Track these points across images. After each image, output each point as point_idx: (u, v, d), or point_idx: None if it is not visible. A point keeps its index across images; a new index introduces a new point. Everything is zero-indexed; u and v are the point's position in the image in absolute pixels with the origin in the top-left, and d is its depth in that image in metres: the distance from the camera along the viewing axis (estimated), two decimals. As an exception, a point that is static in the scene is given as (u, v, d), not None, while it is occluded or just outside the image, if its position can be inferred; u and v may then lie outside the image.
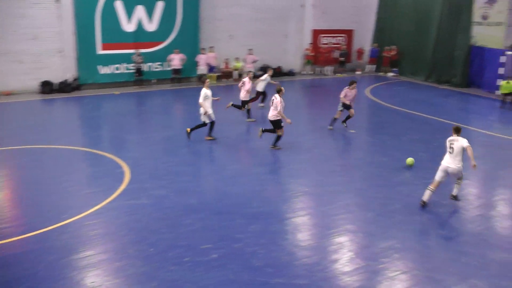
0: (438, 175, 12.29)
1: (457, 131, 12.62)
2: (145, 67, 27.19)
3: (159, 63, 27.76)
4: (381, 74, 33.50)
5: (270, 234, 10.45)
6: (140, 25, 26.94)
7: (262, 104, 22.38)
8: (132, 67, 26.66)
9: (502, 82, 24.14)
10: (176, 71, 27.55)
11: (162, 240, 10.08)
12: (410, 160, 14.78)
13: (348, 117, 19.07)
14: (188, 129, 17.16)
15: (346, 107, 18.77)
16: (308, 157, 16.03)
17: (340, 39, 34.12)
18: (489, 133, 19.44)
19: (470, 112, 24.03)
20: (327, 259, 9.64)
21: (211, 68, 28.46)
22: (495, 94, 26.67)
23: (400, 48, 32.90)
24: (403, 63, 32.90)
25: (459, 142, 12.28)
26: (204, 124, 17.03)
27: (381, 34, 34.31)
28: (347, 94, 18.78)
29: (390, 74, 32.96)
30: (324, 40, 33.40)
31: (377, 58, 34.14)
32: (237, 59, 29.42)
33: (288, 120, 16.31)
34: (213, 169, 14.58)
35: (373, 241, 10.39)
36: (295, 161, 15.50)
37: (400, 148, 17.04)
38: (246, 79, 20.38)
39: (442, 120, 20.95)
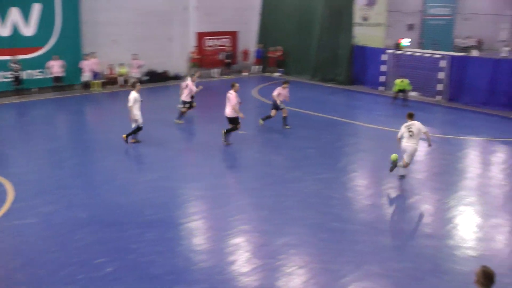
0: (404, 156, 13.98)
1: (411, 116, 14.26)
2: (24, 75, 25.60)
3: (39, 70, 26.27)
4: (267, 74, 34.08)
5: (166, 241, 10.32)
6: (16, 29, 25.33)
7: None
8: (9, 75, 25.11)
9: (396, 81, 25.17)
10: (57, 78, 26.14)
11: (53, 259, 9.60)
12: (394, 156, 15.28)
13: (269, 117, 19.83)
14: (124, 136, 16.96)
15: (276, 106, 19.50)
16: (200, 160, 15.99)
17: (225, 41, 34.26)
18: (375, 126, 20.37)
19: (355, 107, 25.00)
20: (224, 261, 9.67)
21: (95, 75, 27.57)
22: (378, 90, 28.03)
23: (285, 48, 33.62)
24: (288, 63, 33.66)
25: (416, 125, 13.92)
26: (140, 128, 16.94)
27: (266, 35, 34.90)
28: (280, 93, 19.57)
29: (276, 74, 33.60)
30: (209, 42, 33.41)
31: (262, 58, 34.66)
32: (121, 64, 28.71)
33: (241, 115, 17.11)
34: (103, 180, 14.10)
35: (269, 239, 10.55)
36: (186, 165, 15.46)
37: (290, 145, 17.46)
38: (189, 81, 20.78)
39: (329, 116, 21.66)
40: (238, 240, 10.52)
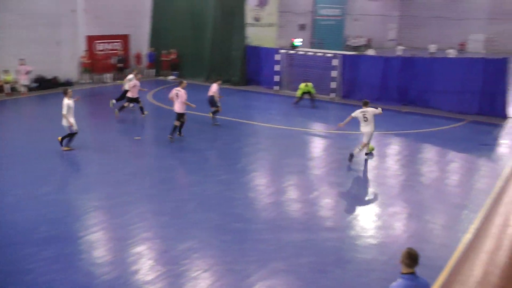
0: (363, 138, 16.01)
1: (366, 104, 16.08)
2: None
3: None
4: (161, 78, 33.69)
5: (65, 257, 9.84)
6: None
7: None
8: None
9: (301, 85, 25.34)
10: None
11: None
12: (371, 146, 15.69)
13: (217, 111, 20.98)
14: (59, 138, 16.53)
15: (213, 103, 20.51)
16: (93, 170, 15.48)
17: (117, 44, 33.49)
18: (272, 125, 20.68)
19: (252, 108, 25.28)
20: (127, 271, 9.40)
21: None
22: (273, 89, 28.52)
23: (179, 51, 33.38)
24: (183, 66, 33.46)
25: (369, 112, 15.79)
26: (74, 134, 16.45)
27: (158, 38, 34.43)
28: (214, 89, 20.94)
29: (171, 78, 33.27)
30: (100, 46, 32.51)
31: (155, 62, 34.21)
32: (6, 71, 27.04)
33: (193, 105, 18.60)
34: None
35: (171, 245, 10.38)
36: (80, 175, 14.97)
37: (188, 149, 17.33)
38: (134, 81, 21.46)
39: (226, 118, 21.70)
40: (140, 248, 10.27)
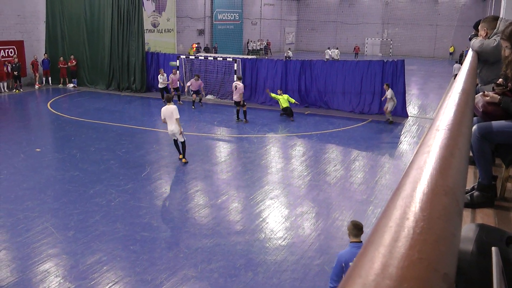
0: None
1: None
2: None
3: None
4: (60, 86, 32.61)
5: (-37, 278, 9.42)
6: None
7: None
8: None
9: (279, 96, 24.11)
10: None
11: None
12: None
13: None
14: None
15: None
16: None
17: (10, 51, 31.92)
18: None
19: (153, 115, 24.88)
20: (33, 290, 9.10)
21: None
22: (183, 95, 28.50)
23: (77, 58, 32.51)
24: (81, 74, 32.63)
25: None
26: None
27: (54, 44, 33.33)
28: (192, 83, 24.26)
29: (70, 86, 32.34)
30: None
31: (50, 69, 32.89)
32: None
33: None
34: None
35: (78, 259, 10.10)
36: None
37: (90, 159, 16.91)
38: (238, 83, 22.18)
39: (127, 126, 21.43)
40: (47, 265, 9.91)
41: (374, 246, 0.85)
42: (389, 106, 22.24)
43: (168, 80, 26.18)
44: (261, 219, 12.18)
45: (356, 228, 7.10)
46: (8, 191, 14.10)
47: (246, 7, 55.61)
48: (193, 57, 29.17)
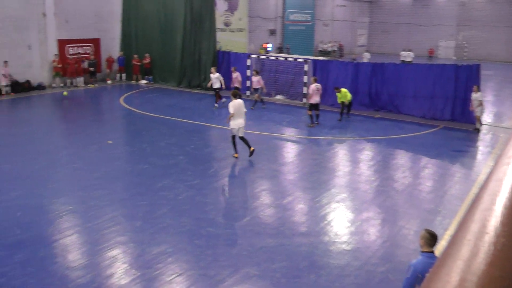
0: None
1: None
2: None
3: None
4: (133, 82, 33.59)
5: (38, 261, 9.83)
6: None
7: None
8: None
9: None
10: None
11: None
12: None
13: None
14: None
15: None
16: (66, 173, 15.42)
17: (88, 48, 33.29)
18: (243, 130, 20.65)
19: (222, 113, 25.09)
20: (101, 275, 9.40)
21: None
22: (244, 94, 28.50)
23: (150, 55, 33.31)
24: (154, 71, 33.40)
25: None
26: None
27: (129, 42, 34.41)
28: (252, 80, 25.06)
29: (143, 82, 33.22)
30: (71, 50, 32.28)
31: (125, 66, 34.08)
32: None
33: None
34: (-37, 199, 13.18)
35: (145, 249, 10.40)
36: (53, 179, 14.81)
37: (159, 153, 17.31)
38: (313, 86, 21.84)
39: (197, 122, 21.79)
40: (114, 252, 10.27)
41: (451, 259, 0.84)
42: (478, 111, 21.45)
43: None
44: (326, 222, 12.11)
45: (432, 238, 6.92)
46: (81, 180, 14.70)
47: (318, 8, 55.30)
48: (264, 57, 29.26)
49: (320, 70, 26.63)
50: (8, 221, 11.64)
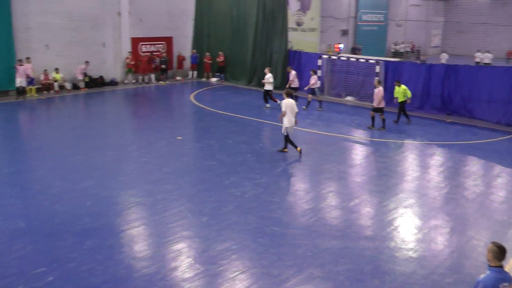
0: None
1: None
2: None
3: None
4: (204, 80, 34.05)
5: (106, 249, 10.14)
6: None
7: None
8: None
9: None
10: (-11, 85, 25.45)
11: (-11, 271, 9.29)
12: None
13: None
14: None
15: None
16: (136, 167, 15.79)
17: (160, 46, 33.99)
18: (311, 130, 20.64)
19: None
20: (166, 267, 9.56)
21: (30, 80, 26.77)
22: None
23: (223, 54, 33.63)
24: (225, 69, 33.69)
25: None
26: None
27: (200, 40, 34.90)
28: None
29: (214, 80, 33.61)
30: (144, 48, 33.06)
31: (197, 64, 34.59)
32: (56, 70, 28.04)
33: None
34: (40, 188, 13.65)
35: (210, 244, 10.50)
36: (123, 172, 15.20)
37: (227, 151, 17.45)
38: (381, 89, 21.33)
39: (266, 121, 21.83)
40: (179, 246, 10.43)
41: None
42: None
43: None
44: (392, 227, 11.85)
45: (502, 252, 6.51)
46: (150, 174, 15.03)
47: (391, 8, 54.22)
48: (335, 57, 29.00)
49: (391, 72, 26.14)
50: (78, 210, 12.10)
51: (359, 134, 20.88)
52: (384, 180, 15.17)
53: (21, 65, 25.95)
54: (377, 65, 25.97)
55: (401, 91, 22.47)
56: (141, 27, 32.62)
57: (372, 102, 22.01)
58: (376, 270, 9.70)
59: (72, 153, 16.82)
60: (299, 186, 14.65)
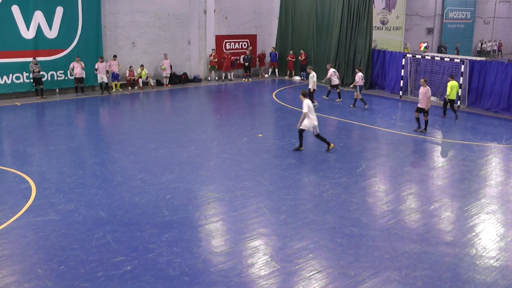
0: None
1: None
2: (47, 76, 26.25)
3: (61, 71, 26.79)
4: (286, 78, 34.14)
5: (184, 242, 10.37)
6: (39, 32, 25.83)
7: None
8: (31, 77, 25.57)
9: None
10: (78, 80, 26.65)
11: (73, 256, 9.73)
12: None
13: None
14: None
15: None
16: (216, 162, 16.04)
17: (244, 44, 34.37)
18: (394, 131, 20.28)
19: (374, 112, 24.65)
20: (242, 264, 9.66)
21: (115, 76, 27.83)
22: (397, 94, 27.96)
23: (305, 52, 33.59)
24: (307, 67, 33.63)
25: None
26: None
27: (285, 38, 35.07)
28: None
29: (297, 78, 33.66)
30: (228, 45, 33.52)
31: (276, 61, 34.86)
32: (142, 66, 28.96)
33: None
34: (122, 180, 14.20)
35: (287, 242, 10.53)
36: (203, 167, 15.48)
37: (307, 149, 17.40)
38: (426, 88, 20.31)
39: (347, 121, 21.66)
40: (257, 243, 10.52)
41: None
42: None
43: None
44: (473, 233, 11.43)
45: None
46: (230, 169, 15.22)
47: (479, 5, 52.12)
48: (419, 56, 28.31)
49: (477, 72, 25.27)
50: (158, 203, 12.48)
51: (441, 136, 20.27)
52: (466, 184, 14.67)
53: (102, 61, 26.95)
54: (462, 64, 25.12)
55: (453, 87, 22.47)
56: (225, 25, 33.18)
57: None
58: (455, 277, 9.39)
59: (155, 147, 17.30)
60: (379, 187, 14.40)
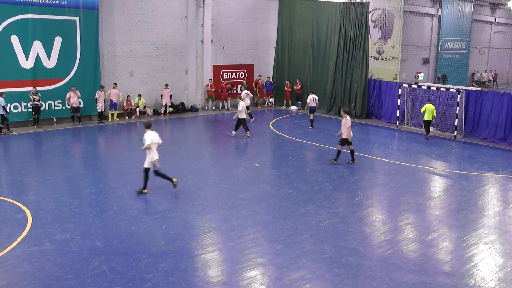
0: None
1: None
2: (45, 105, 26.34)
3: (59, 101, 26.87)
4: (283, 107, 34.28)
5: (180, 272, 10.30)
6: (38, 61, 25.99)
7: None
8: (29, 106, 25.63)
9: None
10: (75, 109, 26.71)
11: (68, 286, 9.64)
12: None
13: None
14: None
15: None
16: (213, 192, 16.02)
17: (241, 74, 34.59)
18: (391, 161, 20.30)
19: (371, 142, 24.79)
20: (239, 294, 9.60)
21: (113, 105, 27.93)
22: (394, 124, 28.07)
23: (302, 82, 33.83)
24: (304, 97, 33.76)
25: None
26: None
27: (281, 68, 35.40)
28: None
29: (294, 108, 33.80)
30: (225, 75, 33.73)
31: (273, 91, 35.06)
32: (139, 96, 29.07)
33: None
34: (118, 209, 14.14)
35: (284, 273, 10.46)
36: (200, 197, 15.43)
37: (304, 179, 17.41)
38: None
39: (344, 151, 21.64)
40: (253, 273, 10.45)
41: None
42: None
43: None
44: (472, 263, 11.38)
45: None
46: (227, 199, 15.19)
47: (474, 35, 52.60)
48: (415, 86, 28.49)
49: (473, 101, 25.46)
50: (154, 232, 12.43)
51: (439, 166, 20.30)
52: (464, 214, 14.64)
53: (102, 91, 27.22)
54: (458, 94, 25.28)
55: (431, 109, 24.31)
56: (223, 55, 33.45)
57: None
58: (455, 307, 9.33)
59: (151, 176, 17.21)
60: (376, 217, 14.36)
